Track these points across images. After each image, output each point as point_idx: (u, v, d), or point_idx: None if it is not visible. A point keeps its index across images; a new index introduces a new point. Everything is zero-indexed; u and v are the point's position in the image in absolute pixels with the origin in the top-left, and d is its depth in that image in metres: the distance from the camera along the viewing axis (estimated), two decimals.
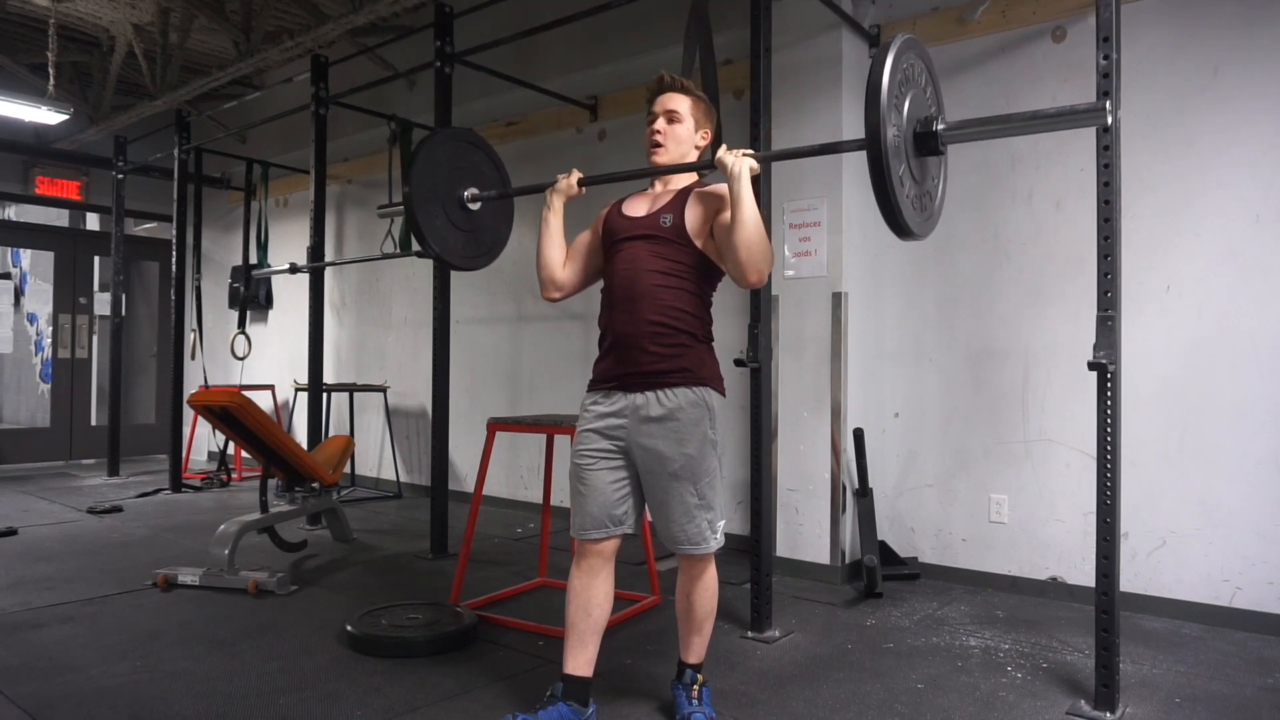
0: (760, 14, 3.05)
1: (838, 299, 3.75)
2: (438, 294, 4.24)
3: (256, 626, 3.06)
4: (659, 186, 2.30)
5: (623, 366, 2.16)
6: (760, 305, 3.05)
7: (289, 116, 5.64)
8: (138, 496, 5.85)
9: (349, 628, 2.85)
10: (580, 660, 2.18)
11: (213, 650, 2.80)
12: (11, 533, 4.56)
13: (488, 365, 5.63)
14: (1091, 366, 2.32)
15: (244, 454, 6.41)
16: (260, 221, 6.52)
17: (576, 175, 2.36)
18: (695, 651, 2.29)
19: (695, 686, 2.26)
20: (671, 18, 4.19)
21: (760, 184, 3.05)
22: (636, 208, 2.27)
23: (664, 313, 2.12)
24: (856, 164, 3.84)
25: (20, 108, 5.46)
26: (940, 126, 1.96)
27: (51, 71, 5.48)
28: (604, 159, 4.95)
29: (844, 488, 3.77)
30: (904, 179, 1.88)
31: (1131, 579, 3.24)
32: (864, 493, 3.72)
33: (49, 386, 7.89)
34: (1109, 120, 1.64)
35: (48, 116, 5.61)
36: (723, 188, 2.15)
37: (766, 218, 3.09)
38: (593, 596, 2.17)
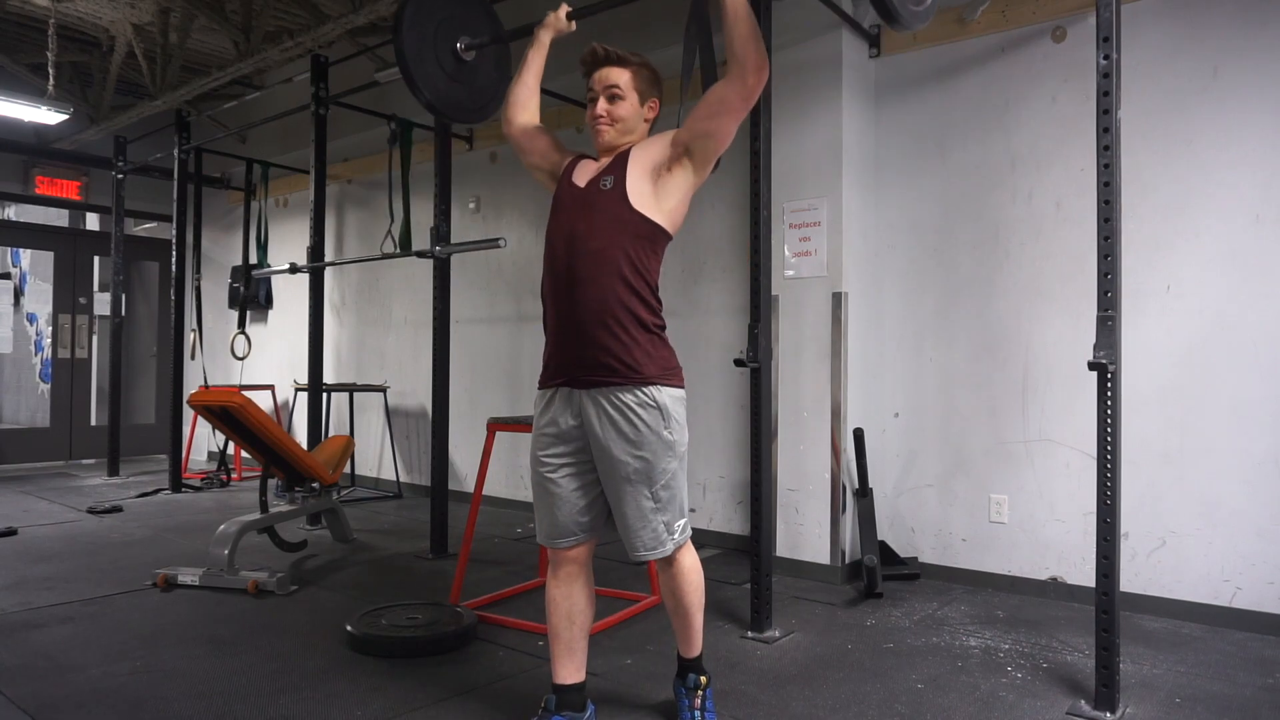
0: (760, 14, 3.05)
1: (838, 299, 3.75)
2: (438, 294, 4.24)
3: (256, 626, 3.06)
4: (606, 158, 2.15)
5: (568, 356, 2.04)
6: (760, 305, 3.05)
7: (289, 116, 5.64)
8: (138, 496, 5.86)
9: (349, 628, 2.86)
10: (570, 668, 2.15)
11: (213, 650, 2.80)
12: (11, 533, 4.56)
13: (488, 365, 5.63)
14: (1091, 366, 2.32)
15: (244, 454, 6.41)
16: (260, 221, 6.52)
17: (565, 9, 2.31)
18: (692, 645, 2.25)
19: (699, 693, 2.23)
20: (671, 18, 4.19)
21: (761, 183, 3.06)
22: (584, 174, 2.15)
23: (604, 298, 1.98)
24: (857, 164, 3.84)
25: (20, 108, 5.46)
26: None
27: (51, 71, 5.48)
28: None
29: (844, 488, 3.77)
30: None
31: (1131, 579, 3.24)
32: (864, 493, 3.72)
33: (49, 386, 7.89)
34: None
35: (48, 116, 5.61)
36: (667, 133, 2.10)
37: (767, 217, 3.10)
38: (574, 604, 2.13)
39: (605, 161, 2.13)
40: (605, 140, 2.12)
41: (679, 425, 2.05)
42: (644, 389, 2.00)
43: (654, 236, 2.04)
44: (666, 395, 2.03)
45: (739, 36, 1.94)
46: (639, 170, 2.05)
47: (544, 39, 2.32)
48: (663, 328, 2.09)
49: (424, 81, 2.48)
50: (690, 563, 2.16)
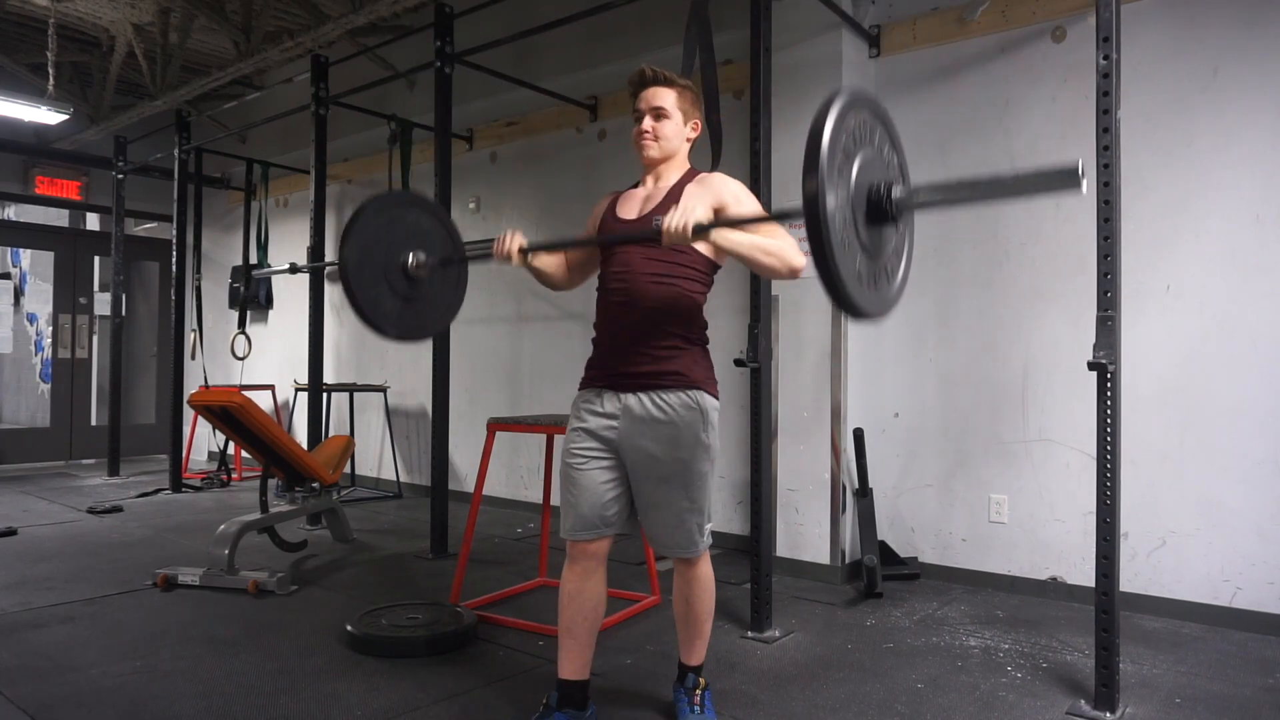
0: (760, 14, 3.05)
1: None
2: None
3: (256, 626, 3.06)
4: (651, 183, 2.22)
5: (614, 367, 2.14)
6: (760, 305, 3.05)
7: (289, 116, 5.64)
8: (138, 496, 5.85)
9: (349, 628, 2.85)
10: (577, 664, 2.15)
11: (213, 650, 2.80)
12: (11, 533, 4.56)
13: (488, 365, 5.63)
14: (1091, 366, 2.32)
15: (244, 454, 6.41)
16: (260, 221, 6.52)
17: (519, 242, 2.17)
18: (696, 653, 2.28)
19: (697, 692, 2.25)
20: (671, 18, 4.20)
21: (760, 183, 3.06)
22: (629, 207, 2.21)
23: (657, 317, 2.09)
24: None
25: (20, 108, 5.45)
26: (897, 193, 1.65)
27: (51, 71, 5.48)
28: (604, 159, 4.95)
29: (844, 488, 3.77)
30: (850, 251, 1.59)
31: (1131, 579, 3.23)
32: (864, 493, 3.72)
33: (49, 386, 7.89)
34: (1083, 187, 1.47)
35: (48, 116, 5.61)
36: (717, 177, 2.15)
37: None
38: (588, 599, 2.14)
39: (654, 190, 2.19)
40: (649, 155, 2.17)
41: (715, 431, 2.14)
42: (689, 391, 2.09)
43: (706, 267, 2.16)
44: (708, 401, 2.12)
45: (758, 267, 1.96)
46: (694, 196, 2.09)
47: (520, 262, 2.21)
48: (707, 341, 2.20)
49: (369, 306, 2.28)
50: (708, 571, 2.23)
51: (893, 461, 3.93)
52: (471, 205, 5.70)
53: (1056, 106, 3.50)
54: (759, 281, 3.06)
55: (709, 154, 2.77)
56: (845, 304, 1.60)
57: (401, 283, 2.36)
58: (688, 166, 2.23)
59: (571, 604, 2.14)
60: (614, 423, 2.12)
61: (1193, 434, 3.19)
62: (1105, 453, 2.35)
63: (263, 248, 6.52)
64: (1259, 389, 3.07)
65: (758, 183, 3.05)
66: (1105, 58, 2.33)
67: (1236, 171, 3.12)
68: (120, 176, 6.73)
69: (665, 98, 2.15)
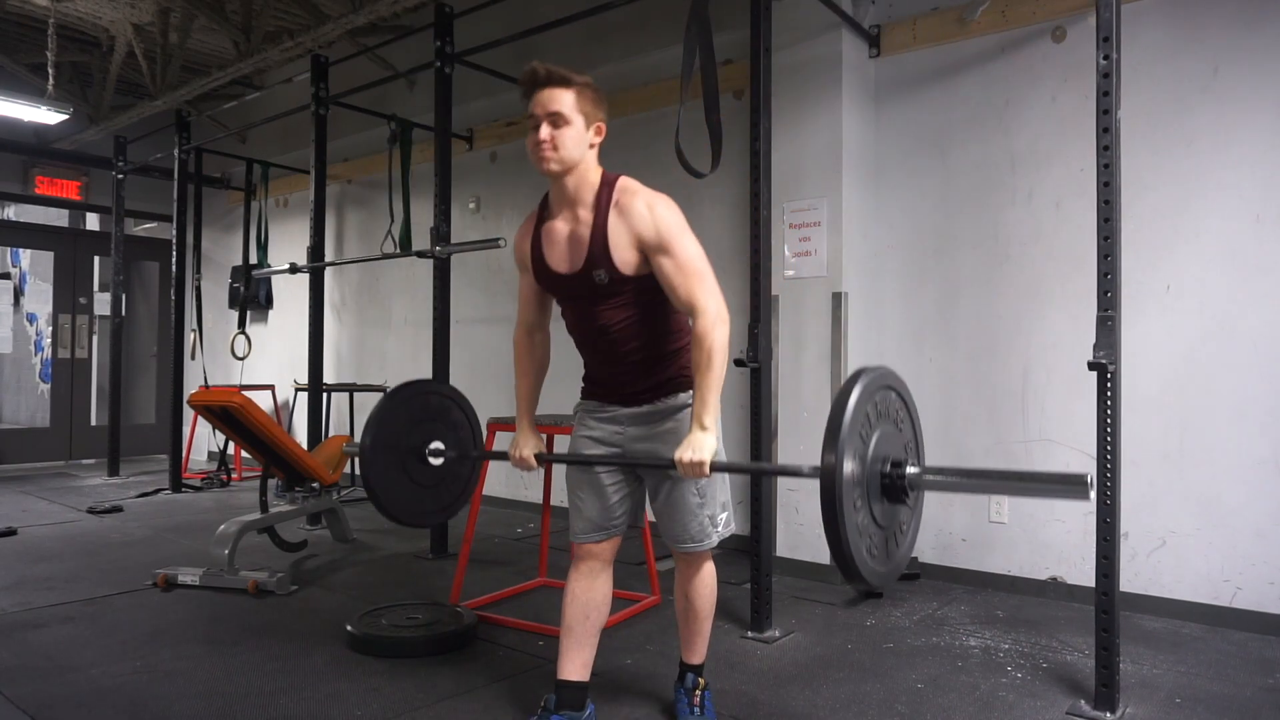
0: (760, 14, 3.05)
1: (838, 299, 3.74)
2: (438, 294, 4.24)
3: (256, 626, 3.06)
4: (568, 212, 2.02)
5: (611, 392, 2.14)
6: (760, 305, 3.05)
7: (289, 116, 5.64)
8: (138, 496, 5.85)
9: (349, 628, 2.85)
10: (576, 664, 2.15)
11: (213, 650, 2.80)
12: (11, 533, 4.56)
13: (488, 365, 5.63)
14: (1091, 366, 2.32)
15: (244, 454, 6.41)
16: (260, 221, 6.52)
17: (532, 450, 2.19)
18: (697, 651, 2.28)
19: (697, 692, 2.25)
20: (671, 18, 4.19)
21: (761, 183, 3.06)
22: (556, 253, 2.04)
23: (635, 353, 2.06)
24: (857, 164, 3.84)
25: (20, 107, 5.45)
26: (911, 470, 1.70)
27: (51, 71, 5.48)
28: (604, 159, 4.93)
29: None
30: (863, 524, 1.62)
31: (1131, 579, 3.23)
32: None
33: (49, 386, 7.89)
34: (1090, 497, 1.52)
35: (47, 116, 5.61)
36: (634, 187, 1.99)
37: (767, 217, 3.10)
38: (592, 599, 2.15)
39: (577, 228, 2.00)
40: (549, 169, 1.95)
41: (718, 423, 2.12)
42: (688, 391, 2.08)
43: (649, 277, 1.99)
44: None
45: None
46: (621, 245, 1.95)
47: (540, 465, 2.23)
48: (688, 340, 2.10)
49: (385, 495, 2.34)
50: (710, 569, 2.23)
51: None
52: (471, 205, 5.70)
53: (1056, 106, 3.50)
54: (759, 282, 3.06)
55: (709, 154, 2.77)
56: (856, 580, 1.62)
57: (417, 469, 2.40)
58: (599, 178, 2.01)
59: (574, 604, 2.14)
60: (619, 428, 2.13)
61: (1193, 434, 3.19)
62: (1105, 453, 2.35)
63: (263, 248, 6.52)
64: (1259, 389, 3.07)
65: (757, 182, 3.05)
66: (1105, 58, 2.33)
67: (1236, 171, 3.12)
68: (120, 176, 6.73)
69: (562, 100, 1.92)
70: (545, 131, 1.93)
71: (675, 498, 2.11)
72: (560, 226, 2.05)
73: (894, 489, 1.68)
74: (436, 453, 2.41)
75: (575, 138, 1.95)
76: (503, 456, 2.27)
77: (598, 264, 1.97)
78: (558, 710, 2.12)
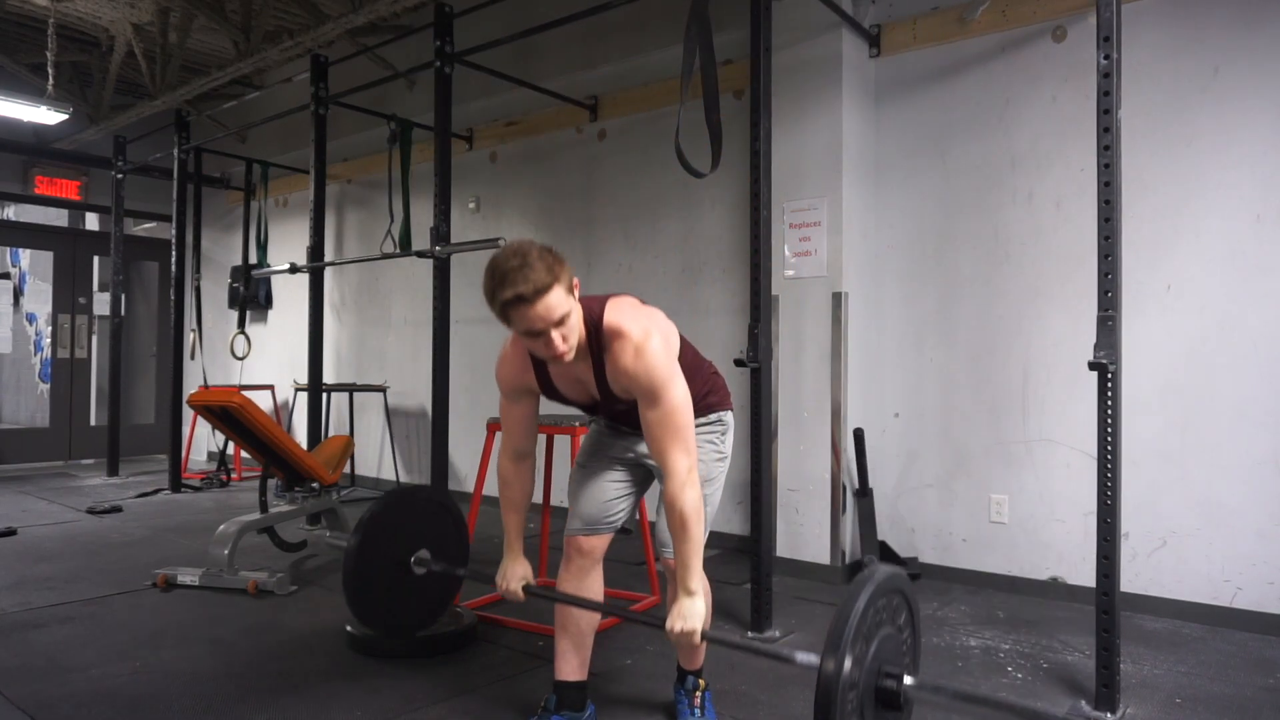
0: (760, 14, 3.05)
1: (838, 299, 3.74)
2: (438, 294, 4.23)
3: (256, 626, 3.06)
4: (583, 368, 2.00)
5: (635, 425, 2.07)
6: (760, 305, 3.05)
7: (289, 116, 5.64)
8: (137, 496, 5.85)
9: (349, 628, 2.85)
10: (574, 664, 2.16)
11: (213, 650, 2.80)
12: (11, 533, 4.56)
13: (488, 365, 5.59)
14: (1092, 366, 2.32)
15: (244, 454, 6.40)
16: (260, 221, 6.52)
17: (519, 582, 2.15)
18: (695, 658, 2.28)
19: (698, 693, 2.25)
20: (671, 18, 4.19)
21: (761, 183, 3.06)
22: (569, 388, 2.06)
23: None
24: (857, 164, 3.84)
25: (20, 107, 5.45)
26: (908, 682, 1.64)
27: (51, 71, 5.47)
28: (604, 159, 4.95)
29: (844, 488, 3.77)
30: None
31: (1132, 579, 3.23)
32: (864, 493, 3.72)
33: (48, 386, 7.89)
34: None
35: (47, 116, 5.60)
36: (618, 327, 1.89)
37: (767, 217, 3.09)
38: (584, 598, 2.15)
39: (576, 373, 2.01)
40: (568, 360, 1.89)
41: (729, 436, 2.29)
42: (707, 415, 2.20)
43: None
44: (727, 415, 2.29)
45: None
46: (623, 387, 1.94)
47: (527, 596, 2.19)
48: (703, 366, 2.23)
49: (365, 608, 2.40)
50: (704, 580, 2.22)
51: (893, 461, 3.93)
52: (471, 205, 5.70)
53: (1056, 106, 3.50)
54: (759, 282, 3.05)
55: (709, 154, 2.77)
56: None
57: (399, 575, 2.44)
58: (582, 321, 1.91)
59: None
60: (639, 446, 2.17)
61: (1193, 434, 3.19)
62: (1106, 453, 2.35)
63: (262, 247, 6.52)
64: (1259, 389, 3.07)
65: (757, 182, 3.05)
66: (1105, 57, 2.33)
67: (1236, 171, 3.12)
68: (120, 176, 6.73)
69: (554, 300, 1.77)
70: (558, 339, 1.81)
71: None
72: (562, 368, 2.01)
73: (889, 697, 1.63)
74: (421, 561, 2.44)
75: (576, 319, 1.86)
76: (490, 580, 2.21)
77: (615, 400, 2.01)
78: (558, 711, 2.12)
